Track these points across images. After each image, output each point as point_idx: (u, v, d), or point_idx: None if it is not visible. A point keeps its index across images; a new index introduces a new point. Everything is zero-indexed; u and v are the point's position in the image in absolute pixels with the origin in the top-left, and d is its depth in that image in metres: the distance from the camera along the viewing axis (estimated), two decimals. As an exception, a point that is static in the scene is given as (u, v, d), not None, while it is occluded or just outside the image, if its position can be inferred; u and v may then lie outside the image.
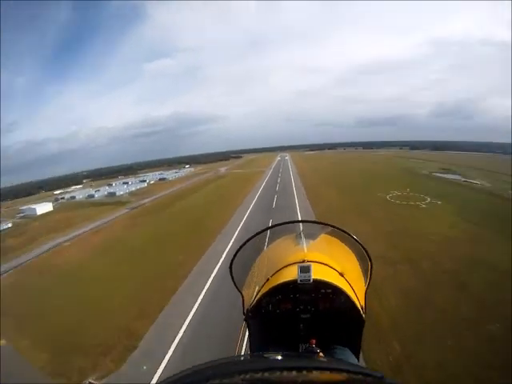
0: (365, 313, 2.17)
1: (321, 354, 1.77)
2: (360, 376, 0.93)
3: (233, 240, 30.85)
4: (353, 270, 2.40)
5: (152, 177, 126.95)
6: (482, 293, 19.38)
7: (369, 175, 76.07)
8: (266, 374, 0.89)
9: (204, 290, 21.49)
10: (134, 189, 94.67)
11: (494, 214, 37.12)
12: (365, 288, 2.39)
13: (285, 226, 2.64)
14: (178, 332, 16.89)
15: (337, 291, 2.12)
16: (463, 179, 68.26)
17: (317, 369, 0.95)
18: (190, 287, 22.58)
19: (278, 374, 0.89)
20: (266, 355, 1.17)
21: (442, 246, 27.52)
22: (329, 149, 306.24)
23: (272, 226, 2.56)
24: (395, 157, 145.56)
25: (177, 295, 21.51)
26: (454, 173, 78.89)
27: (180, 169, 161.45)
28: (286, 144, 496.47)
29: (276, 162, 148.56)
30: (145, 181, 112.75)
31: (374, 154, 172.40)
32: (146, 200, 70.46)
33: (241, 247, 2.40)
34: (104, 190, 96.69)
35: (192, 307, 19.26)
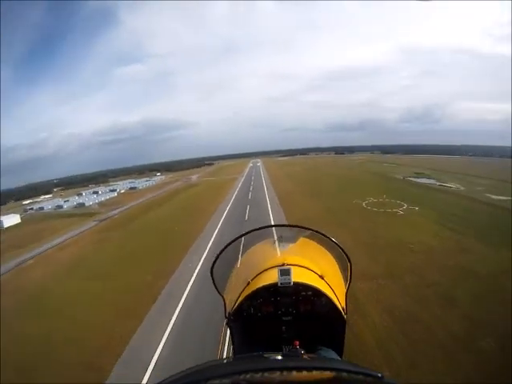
0: (346, 313, 2.24)
1: (305, 355, 1.68)
2: (360, 376, 0.95)
3: (203, 260, 28.22)
4: (332, 272, 2.51)
5: (122, 186, 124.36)
6: (470, 306, 17.94)
7: (343, 181, 74.74)
8: (266, 374, 0.91)
9: (170, 326, 18.36)
10: (103, 199, 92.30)
11: (472, 219, 36.47)
12: (345, 289, 2.48)
13: (264, 230, 2.68)
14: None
15: (317, 293, 2.22)
16: (438, 183, 67.84)
17: (317, 369, 0.97)
18: (153, 323, 19.08)
19: (278, 374, 0.91)
20: (266, 355, 1.25)
21: (424, 257, 25.94)
22: (301, 154, 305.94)
23: (252, 230, 2.60)
24: (368, 161, 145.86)
25: (136, 338, 17.67)
26: (428, 177, 78.46)
27: (151, 177, 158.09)
28: (258, 150, 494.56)
29: (248, 169, 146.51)
30: (115, 190, 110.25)
31: (347, 159, 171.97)
32: (115, 211, 67.73)
33: (221, 251, 2.46)
34: (73, 201, 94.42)
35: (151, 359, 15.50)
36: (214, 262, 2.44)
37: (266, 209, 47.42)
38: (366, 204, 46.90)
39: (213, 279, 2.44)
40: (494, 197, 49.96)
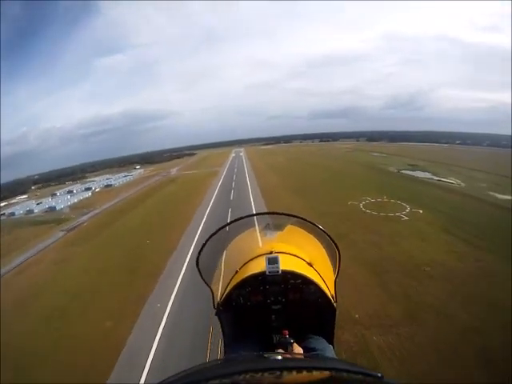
0: (335, 301, 2.28)
1: (295, 343, 1.92)
2: (359, 376, 0.97)
3: (173, 297, 23.30)
4: (321, 259, 2.51)
5: (98, 183, 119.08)
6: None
7: (333, 175, 69.68)
8: (266, 374, 0.92)
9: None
10: (76, 200, 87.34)
11: (484, 227, 32.62)
12: (334, 277, 2.49)
13: (251, 218, 2.72)
14: None
15: (306, 281, 2.24)
16: (436, 178, 64.22)
17: (316, 369, 0.99)
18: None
19: (277, 374, 0.92)
20: (266, 355, 1.27)
21: (446, 286, 21.54)
22: (285, 142, 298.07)
23: (238, 219, 2.58)
24: (356, 150, 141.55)
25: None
26: (424, 170, 74.82)
27: (130, 171, 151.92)
28: (241, 137, 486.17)
29: (230, 160, 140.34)
30: (90, 188, 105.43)
31: (332, 147, 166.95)
32: (85, 217, 61.91)
33: (207, 241, 2.45)
34: (45, 203, 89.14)
35: None
36: (200, 252, 2.42)
37: (250, 207, 44.49)
38: (363, 206, 42.60)
39: (199, 270, 2.42)
40: (499, 196, 46.98)
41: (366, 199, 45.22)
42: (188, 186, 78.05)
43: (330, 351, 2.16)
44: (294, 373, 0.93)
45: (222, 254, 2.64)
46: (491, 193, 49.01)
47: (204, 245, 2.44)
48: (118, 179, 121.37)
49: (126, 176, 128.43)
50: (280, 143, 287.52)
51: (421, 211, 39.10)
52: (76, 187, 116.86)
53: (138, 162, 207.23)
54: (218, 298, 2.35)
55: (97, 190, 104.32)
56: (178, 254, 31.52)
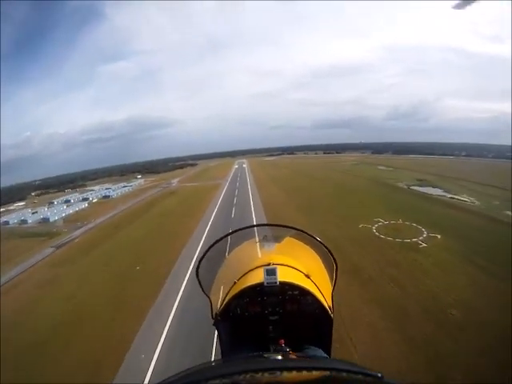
0: (333, 312, 2.27)
1: (291, 353, 1.91)
2: (359, 376, 0.96)
3: (162, 341, 20.23)
4: (318, 271, 2.51)
5: (97, 193, 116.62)
6: None
7: (342, 192, 66.31)
8: (266, 374, 0.92)
9: None
10: (71, 211, 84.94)
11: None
12: (331, 288, 2.49)
13: (249, 230, 2.77)
14: None
15: (303, 292, 2.23)
16: (448, 195, 60.99)
17: (316, 369, 0.99)
18: None
19: (277, 374, 0.93)
20: (266, 355, 1.30)
21: (480, 342, 17.77)
22: (288, 153, 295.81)
23: (237, 230, 2.66)
24: (361, 163, 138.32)
25: None
26: (434, 185, 71.82)
27: (130, 181, 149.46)
28: (244, 148, 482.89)
29: (233, 173, 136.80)
30: (87, 199, 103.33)
31: (337, 160, 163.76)
32: (78, 232, 58.72)
33: (206, 252, 2.52)
34: (40, 213, 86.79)
35: None
36: (199, 262, 2.49)
37: (252, 229, 39.45)
38: (376, 229, 39.30)
39: (198, 280, 2.49)
40: (518, 218, 43.49)
41: (379, 221, 42.09)
42: (188, 199, 75.31)
43: None
44: (294, 373, 0.93)
45: (221, 265, 2.64)
46: (508, 212, 45.77)
47: (204, 255, 2.50)
48: (116, 190, 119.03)
49: (125, 186, 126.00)
50: (283, 154, 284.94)
51: (438, 236, 35.92)
52: (74, 196, 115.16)
53: (139, 171, 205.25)
54: (217, 309, 2.32)
55: (94, 200, 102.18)
56: (169, 286, 28.45)
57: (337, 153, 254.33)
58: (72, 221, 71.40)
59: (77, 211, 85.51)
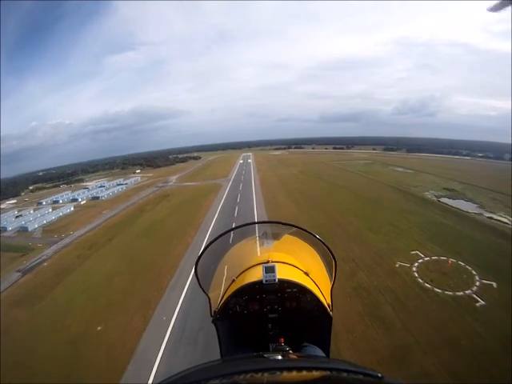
0: (332, 310, 2.28)
1: (290, 352, 1.86)
2: (360, 376, 0.96)
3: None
4: (317, 269, 2.53)
5: (89, 192, 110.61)
6: None
7: (364, 206, 56.02)
8: (266, 374, 0.93)
9: None
10: (54, 217, 77.35)
11: None
12: (330, 286, 2.51)
13: (248, 227, 2.76)
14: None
15: (302, 290, 2.23)
16: (485, 214, 51.85)
17: (317, 369, 0.99)
18: None
19: (278, 373, 0.94)
20: (266, 355, 1.30)
21: None
22: (295, 147, 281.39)
23: (235, 228, 2.67)
24: (375, 162, 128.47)
25: None
26: (465, 198, 63.20)
27: (126, 177, 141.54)
28: (250, 139, 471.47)
29: (236, 170, 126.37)
30: (76, 200, 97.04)
31: (350, 157, 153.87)
32: (52, 249, 50.81)
33: (205, 249, 2.51)
34: (22, 219, 79.76)
35: None
36: (198, 260, 2.47)
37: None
38: (417, 271, 30.53)
39: (197, 278, 2.47)
40: None
41: (418, 255, 33.61)
42: (183, 205, 66.28)
43: None
44: (294, 373, 0.94)
45: (220, 263, 2.63)
46: None
47: (202, 253, 2.48)
48: (109, 188, 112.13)
49: (119, 185, 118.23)
50: (291, 148, 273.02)
51: (494, 284, 27.93)
52: (64, 196, 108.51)
53: (140, 164, 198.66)
54: (216, 307, 2.33)
55: (82, 202, 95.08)
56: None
57: (347, 148, 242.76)
58: (51, 231, 63.50)
59: (60, 217, 78.67)
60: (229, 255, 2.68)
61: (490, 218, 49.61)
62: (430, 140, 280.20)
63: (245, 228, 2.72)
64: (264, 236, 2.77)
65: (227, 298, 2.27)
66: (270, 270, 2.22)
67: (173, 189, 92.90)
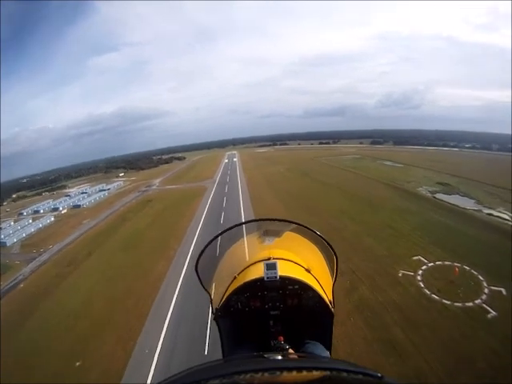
0: (333, 307, 2.27)
1: (290, 350, 1.91)
2: (359, 376, 0.96)
3: None
4: (319, 265, 2.52)
5: (70, 199, 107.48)
6: None
7: (358, 205, 53.77)
8: (266, 374, 0.93)
9: None
10: (33, 229, 74.01)
11: None
12: (332, 283, 2.49)
13: (248, 225, 2.77)
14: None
15: (304, 287, 2.23)
16: (484, 210, 50.41)
17: (317, 369, 0.99)
18: None
19: (278, 374, 0.93)
20: (266, 355, 1.30)
21: None
22: (281, 143, 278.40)
23: (237, 225, 2.60)
24: (365, 157, 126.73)
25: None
26: (461, 193, 61.89)
27: (110, 181, 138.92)
28: (235, 136, 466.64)
29: (222, 170, 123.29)
30: (57, 209, 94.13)
31: (337, 153, 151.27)
32: (29, 268, 47.36)
33: (206, 247, 2.47)
34: (3, 231, 75.30)
35: None
36: (199, 257, 2.45)
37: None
38: (422, 280, 28.49)
39: (198, 275, 2.45)
40: None
41: (420, 261, 31.71)
42: (166, 211, 63.26)
43: (327, 357, 2.16)
44: (294, 373, 0.94)
45: (221, 260, 2.61)
46: None
47: (203, 250, 2.45)
48: (91, 195, 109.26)
49: (101, 190, 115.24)
50: (276, 145, 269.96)
51: (503, 291, 26.31)
52: (46, 204, 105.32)
53: (123, 167, 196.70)
54: (217, 304, 2.33)
55: (63, 211, 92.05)
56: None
57: (333, 143, 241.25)
58: (30, 245, 60.04)
59: (40, 229, 75.18)
60: (230, 252, 2.63)
61: (490, 214, 48.19)
62: (416, 131, 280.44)
63: (246, 225, 2.68)
64: (265, 233, 2.73)
65: (228, 296, 2.27)
66: (271, 266, 2.22)
67: (156, 193, 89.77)
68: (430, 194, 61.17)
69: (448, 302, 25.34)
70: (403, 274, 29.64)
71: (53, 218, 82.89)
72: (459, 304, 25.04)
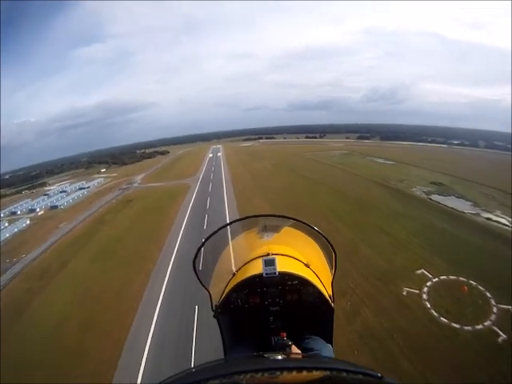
0: (333, 301, 2.30)
1: (293, 345, 1.92)
2: (359, 376, 0.97)
3: None
4: (318, 260, 2.53)
5: (50, 199, 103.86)
6: None
7: (350, 207, 51.12)
8: (266, 374, 0.93)
9: None
10: (8, 235, 70.04)
11: None
12: (331, 278, 2.52)
13: (247, 221, 2.70)
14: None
15: (303, 282, 2.25)
16: (482, 214, 48.68)
17: (317, 369, 1.00)
18: None
19: (278, 374, 0.94)
20: (266, 355, 1.30)
21: None
22: (266, 137, 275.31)
23: (234, 221, 2.66)
24: (353, 153, 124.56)
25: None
26: (456, 194, 60.14)
27: (90, 177, 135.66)
28: (219, 130, 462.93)
29: (206, 165, 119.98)
30: (34, 210, 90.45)
31: (324, 148, 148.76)
32: (1, 280, 43.10)
33: (203, 244, 2.45)
34: None
35: None
36: (196, 254, 2.43)
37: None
38: (428, 299, 26.31)
39: (196, 273, 2.43)
40: None
41: (425, 276, 29.66)
42: (147, 212, 59.91)
43: (328, 351, 2.17)
44: (294, 373, 0.94)
45: (220, 257, 2.60)
46: None
47: (200, 247, 2.43)
48: (71, 193, 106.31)
49: (81, 189, 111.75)
50: (262, 139, 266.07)
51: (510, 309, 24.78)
52: (24, 204, 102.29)
53: (106, 162, 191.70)
54: (216, 301, 2.34)
55: (40, 213, 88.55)
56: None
57: (320, 137, 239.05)
58: (3, 253, 54.98)
59: (15, 233, 71.61)
60: (228, 249, 2.62)
61: (488, 219, 46.57)
62: (402, 127, 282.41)
63: (244, 221, 2.67)
64: (263, 229, 2.71)
65: (228, 293, 2.27)
66: (269, 262, 2.23)
67: (136, 192, 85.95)
68: (425, 195, 59.29)
69: (457, 326, 23.50)
70: (408, 292, 27.41)
71: (28, 222, 79.66)
72: (469, 327, 23.24)
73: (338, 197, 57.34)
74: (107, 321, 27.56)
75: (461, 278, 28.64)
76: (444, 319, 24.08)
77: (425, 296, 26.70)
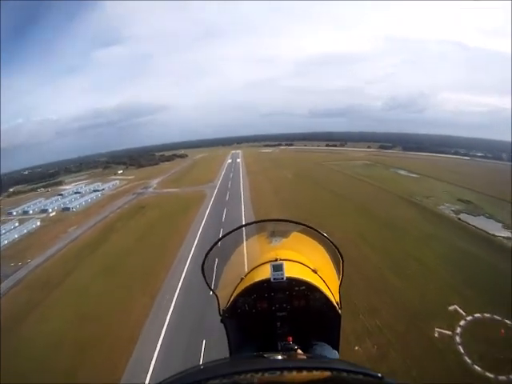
0: (340, 308, 2.29)
1: (299, 350, 1.92)
2: (360, 376, 0.97)
3: None
4: (325, 266, 2.52)
5: (63, 199, 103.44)
6: None
7: (375, 225, 49.01)
8: (266, 374, 0.93)
9: None
10: (16, 236, 69.44)
11: None
12: (339, 284, 2.50)
13: (255, 225, 2.82)
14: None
15: (311, 288, 2.24)
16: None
17: (317, 369, 1.00)
18: None
19: (277, 374, 0.94)
20: (266, 355, 1.30)
21: None
22: (287, 144, 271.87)
23: (242, 226, 2.60)
24: (376, 164, 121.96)
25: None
26: (485, 214, 57.41)
27: (106, 180, 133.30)
28: (239, 134, 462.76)
29: (224, 172, 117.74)
30: (46, 210, 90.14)
31: (346, 157, 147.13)
32: (2, 287, 42.29)
33: (212, 248, 2.45)
34: None
35: None
36: (205, 258, 2.43)
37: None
38: (461, 342, 23.97)
39: (204, 276, 2.44)
40: None
41: (458, 313, 27.30)
42: (158, 227, 56.68)
43: (335, 357, 2.18)
44: (294, 373, 0.94)
45: (228, 261, 2.60)
46: None
47: (209, 251, 2.43)
48: (85, 195, 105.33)
49: (95, 191, 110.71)
50: (281, 145, 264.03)
51: None
52: (37, 203, 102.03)
53: (124, 163, 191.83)
54: (224, 306, 2.34)
55: (51, 214, 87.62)
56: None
57: (340, 145, 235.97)
58: (10, 257, 53.98)
59: (24, 234, 70.81)
60: (236, 254, 2.62)
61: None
62: (422, 136, 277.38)
63: (252, 226, 2.72)
64: (272, 234, 2.74)
65: (235, 297, 2.28)
66: (278, 268, 2.22)
67: (151, 198, 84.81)
68: (453, 215, 56.53)
69: (491, 376, 21.29)
70: (439, 333, 24.99)
71: (39, 223, 78.91)
72: (503, 377, 21.06)
73: (366, 216, 54.39)
74: (105, 346, 25.89)
75: (495, 317, 26.21)
76: (478, 368, 21.85)
77: (457, 339, 24.35)
